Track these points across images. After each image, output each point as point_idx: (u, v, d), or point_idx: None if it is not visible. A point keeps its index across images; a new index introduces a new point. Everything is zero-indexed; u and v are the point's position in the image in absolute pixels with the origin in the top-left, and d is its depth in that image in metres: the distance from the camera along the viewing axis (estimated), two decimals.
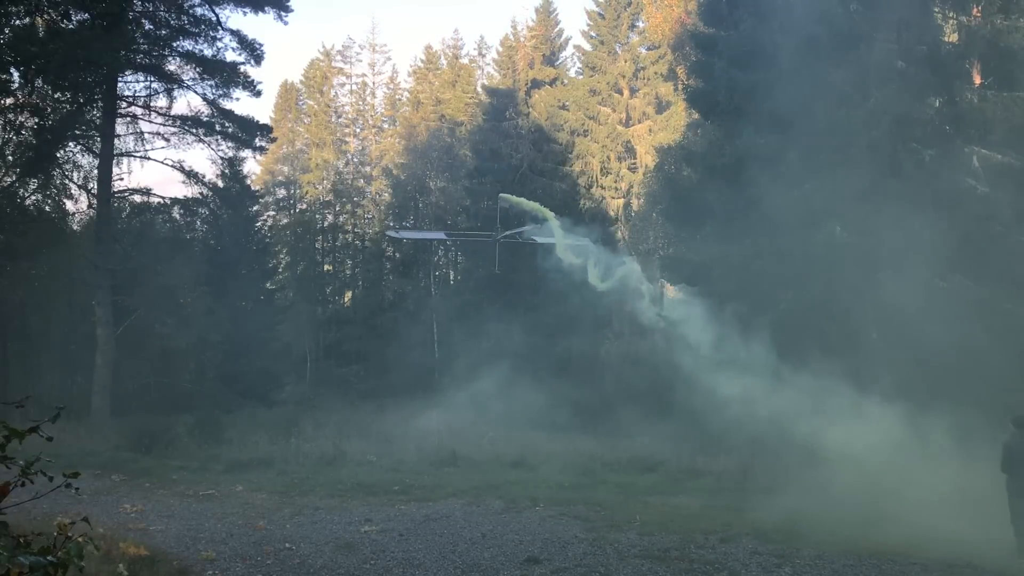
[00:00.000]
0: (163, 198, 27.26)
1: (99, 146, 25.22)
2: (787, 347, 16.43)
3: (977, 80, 17.73)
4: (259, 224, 42.25)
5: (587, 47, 39.23)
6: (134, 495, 13.55)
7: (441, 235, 37.16)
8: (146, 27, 25.19)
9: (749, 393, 15.37)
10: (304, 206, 51.44)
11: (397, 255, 45.67)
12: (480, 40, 63.49)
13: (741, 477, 15.83)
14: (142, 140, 25.86)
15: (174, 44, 25.62)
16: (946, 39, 18.49)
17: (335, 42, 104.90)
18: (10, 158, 24.03)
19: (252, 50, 26.50)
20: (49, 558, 2.48)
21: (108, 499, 12.97)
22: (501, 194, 28.18)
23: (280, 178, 51.93)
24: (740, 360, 16.40)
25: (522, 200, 26.82)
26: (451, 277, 46.73)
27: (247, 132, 26.95)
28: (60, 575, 2.48)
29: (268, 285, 42.39)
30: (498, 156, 38.28)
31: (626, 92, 36.83)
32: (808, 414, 14.17)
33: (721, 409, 16.03)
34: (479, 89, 46.42)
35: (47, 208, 25.80)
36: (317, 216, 50.64)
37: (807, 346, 16.52)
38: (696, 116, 27.67)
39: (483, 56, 50.96)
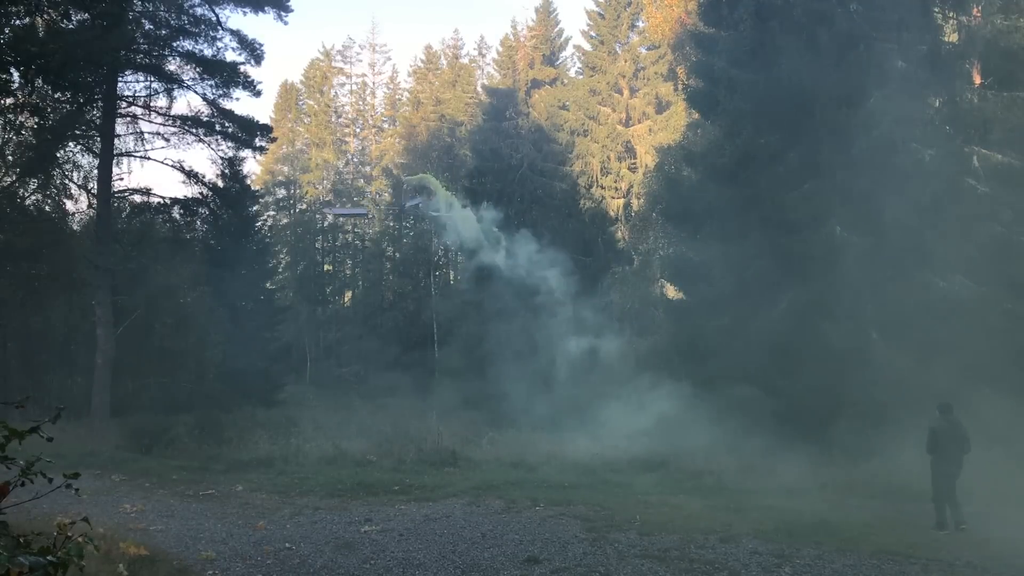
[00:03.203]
0: (163, 198, 27.28)
1: (99, 146, 25.20)
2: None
3: (977, 80, 17.73)
4: (259, 224, 42.20)
5: (587, 47, 39.23)
6: (134, 495, 13.52)
7: (364, 211, 44.54)
8: (146, 27, 25.17)
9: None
10: (304, 206, 51.45)
11: (397, 255, 45.68)
12: (480, 40, 63.74)
13: (741, 477, 15.81)
14: (142, 140, 25.87)
15: (174, 44, 25.61)
16: (946, 39, 18.48)
17: (335, 42, 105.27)
18: (10, 158, 24.01)
19: (252, 50, 26.52)
20: (49, 558, 2.47)
21: (108, 499, 12.94)
22: (404, 176, 35.93)
23: (280, 178, 51.96)
24: None
25: (418, 176, 32.77)
26: (451, 277, 46.70)
27: (247, 132, 26.95)
28: (60, 575, 2.48)
29: (268, 285, 42.33)
30: (498, 156, 38.23)
31: (626, 92, 36.81)
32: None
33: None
34: (479, 89, 46.42)
35: (47, 208, 25.79)
36: (317, 216, 50.65)
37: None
38: (696, 116, 27.64)
39: (483, 56, 51.04)
